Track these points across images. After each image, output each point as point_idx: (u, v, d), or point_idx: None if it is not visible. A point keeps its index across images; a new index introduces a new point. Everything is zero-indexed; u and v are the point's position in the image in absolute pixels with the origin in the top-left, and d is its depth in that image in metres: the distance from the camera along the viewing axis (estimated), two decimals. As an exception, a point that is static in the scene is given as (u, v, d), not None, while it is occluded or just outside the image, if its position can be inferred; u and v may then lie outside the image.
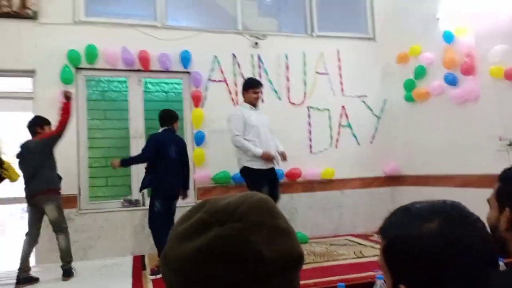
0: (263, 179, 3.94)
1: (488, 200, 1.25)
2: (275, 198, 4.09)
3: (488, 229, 1.23)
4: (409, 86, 5.07)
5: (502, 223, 1.17)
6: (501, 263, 2.18)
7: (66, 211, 3.97)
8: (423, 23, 4.89)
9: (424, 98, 4.90)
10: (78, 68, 4.44)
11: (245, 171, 3.97)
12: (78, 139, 4.37)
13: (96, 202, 4.45)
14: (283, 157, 4.12)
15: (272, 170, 4.05)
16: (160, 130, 3.91)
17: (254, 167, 3.95)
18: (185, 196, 3.96)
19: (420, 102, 4.99)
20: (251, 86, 4.07)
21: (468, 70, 4.20)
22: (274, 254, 0.55)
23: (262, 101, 4.33)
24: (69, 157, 4.25)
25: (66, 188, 4.14)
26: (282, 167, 4.43)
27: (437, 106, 4.72)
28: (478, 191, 3.96)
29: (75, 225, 4.19)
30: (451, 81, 4.43)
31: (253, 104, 4.08)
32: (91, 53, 4.39)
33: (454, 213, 0.74)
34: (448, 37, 4.45)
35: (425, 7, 4.84)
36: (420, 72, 4.91)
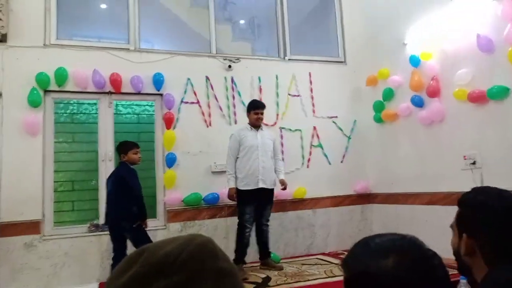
0: (248, 200, 4.12)
1: (451, 226, 1.27)
2: (260, 217, 4.13)
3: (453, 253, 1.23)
4: (378, 107, 5.20)
5: (461, 249, 1.18)
6: (464, 281, 2.19)
7: (29, 238, 3.81)
8: (391, 48, 5.07)
9: (392, 119, 5.03)
10: (47, 91, 4.35)
11: (236, 191, 4.22)
12: (43, 162, 4.23)
13: (61, 227, 4.28)
14: (282, 184, 4.34)
15: (263, 191, 4.15)
16: None
17: (240, 188, 4.17)
18: (145, 225, 3.89)
19: (389, 123, 5.12)
20: (252, 108, 4.33)
21: (434, 93, 4.34)
22: None
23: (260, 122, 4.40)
24: (33, 181, 4.12)
25: (29, 213, 4.00)
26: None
27: (405, 127, 4.85)
28: (444, 209, 4.07)
29: (38, 252, 4.01)
30: (418, 103, 4.57)
31: (254, 125, 4.31)
32: (61, 76, 4.32)
33: (410, 250, 0.75)
34: (415, 61, 4.62)
35: (393, 33, 5.02)
36: (388, 94, 5.05)
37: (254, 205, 4.13)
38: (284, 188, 4.36)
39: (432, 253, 0.77)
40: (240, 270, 4.06)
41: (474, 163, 3.89)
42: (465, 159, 3.98)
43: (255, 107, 4.31)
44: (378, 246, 0.77)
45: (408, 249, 0.75)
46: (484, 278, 1.12)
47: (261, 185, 4.11)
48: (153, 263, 0.54)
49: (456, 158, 4.07)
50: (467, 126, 4.03)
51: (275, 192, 4.46)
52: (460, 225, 1.21)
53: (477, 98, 3.87)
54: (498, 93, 3.67)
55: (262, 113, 4.33)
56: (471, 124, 3.99)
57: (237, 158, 4.24)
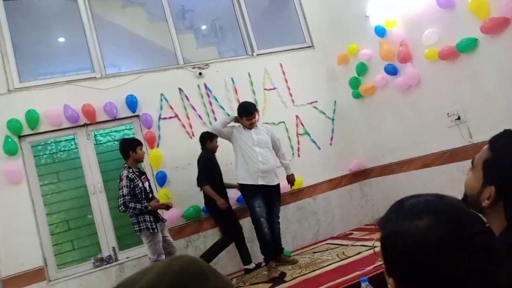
0: (254, 194, 4.03)
1: (473, 162, 1.13)
2: (271, 215, 4.06)
3: (464, 193, 1.13)
4: (355, 83, 5.21)
5: (483, 198, 1.07)
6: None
7: (35, 286, 3.72)
8: (355, 23, 5.07)
9: (371, 93, 5.05)
10: (21, 136, 4.25)
11: (240, 187, 4.19)
12: (34, 208, 4.13)
13: (66, 269, 4.19)
14: (289, 182, 4.30)
15: (270, 186, 4.07)
16: None
17: (245, 182, 4.08)
18: None
19: (368, 97, 5.13)
20: (244, 115, 4.13)
21: (405, 58, 4.36)
22: None
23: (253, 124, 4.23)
24: (27, 229, 4.01)
25: (30, 262, 3.91)
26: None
27: (385, 97, 4.87)
28: (439, 168, 4.10)
29: (48, 298, 3.92)
30: (392, 71, 4.59)
31: (249, 128, 4.20)
32: (32, 118, 4.22)
33: (446, 212, 0.72)
34: (380, 31, 4.64)
35: (355, 8, 5.03)
36: (362, 69, 5.06)
37: (261, 197, 4.02)
38: (290, 183, 4.32)
39: (474, 218, 0.74)
40: (271, 268, 3.89)
41: (458, 118, 3.91)
42: (448, 116, 4.01)
43: (247, 114, 4.11)
44: (412, 206, 0.76)
45: (443, 211, 0.72)
46: (504, 233, 1.04)
47: (260, 182, 4.03)
48: None
49: (440, 117, 4.10)
50: (444, 84, 4.06)
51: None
52: (489, 173, 1.07)
53: (448, 55, 3.89)
54: (467, 46, 3.70)
55: (254, 117, 4.17)
56: (447, 81, 4.02)
57: (236, 155, 4.17)
